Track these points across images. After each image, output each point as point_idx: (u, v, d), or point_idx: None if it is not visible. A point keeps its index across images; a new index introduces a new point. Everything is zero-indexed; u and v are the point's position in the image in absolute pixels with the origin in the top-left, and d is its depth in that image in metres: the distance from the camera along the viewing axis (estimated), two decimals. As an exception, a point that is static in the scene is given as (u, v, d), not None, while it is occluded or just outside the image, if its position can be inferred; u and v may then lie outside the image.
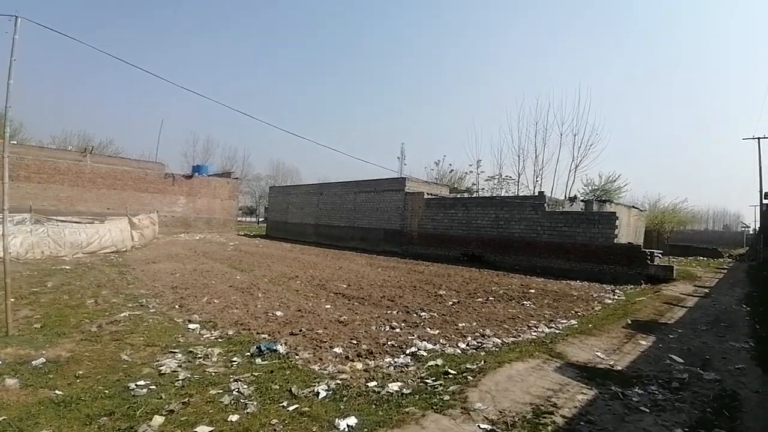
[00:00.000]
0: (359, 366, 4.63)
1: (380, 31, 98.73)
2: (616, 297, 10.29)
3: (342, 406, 3.50)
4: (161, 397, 3.65)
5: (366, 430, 3.07)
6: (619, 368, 4.86)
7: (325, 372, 4.40)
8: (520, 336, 6.19)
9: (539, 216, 15.97)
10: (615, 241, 13.93)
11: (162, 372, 4.24)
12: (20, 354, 4.41)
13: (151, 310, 6.89)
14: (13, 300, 6.81)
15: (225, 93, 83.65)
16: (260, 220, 52.54)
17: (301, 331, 5.92)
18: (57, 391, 3.62)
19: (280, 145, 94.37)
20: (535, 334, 6.36)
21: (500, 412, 3.39)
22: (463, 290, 10.32)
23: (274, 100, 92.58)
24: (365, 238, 23.91)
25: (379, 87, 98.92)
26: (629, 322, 7.37)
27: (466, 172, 34.45)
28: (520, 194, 24.10)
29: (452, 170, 36.20)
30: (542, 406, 3.59)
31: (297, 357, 4.83)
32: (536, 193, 18.35)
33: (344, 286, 10.08)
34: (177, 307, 7.19)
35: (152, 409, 3.40)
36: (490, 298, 9.32)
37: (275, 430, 3.09)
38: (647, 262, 13.21)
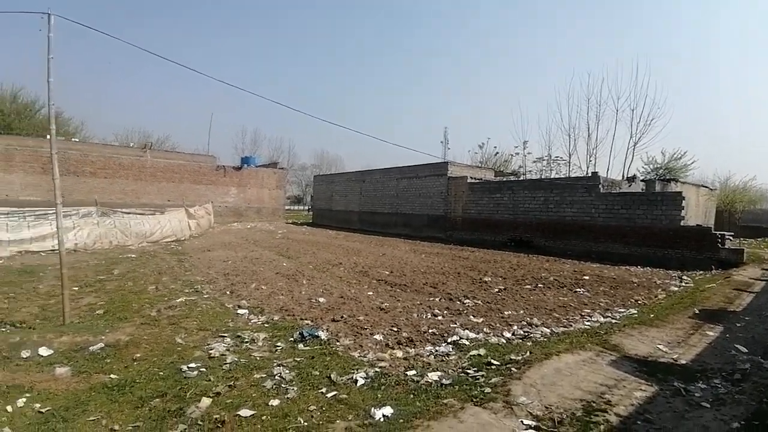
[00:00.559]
0: (399, 354, 4.59)
1: (426, 10, 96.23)
2: (683, 284, 9.44)
3: (379, 395, 3.48)
4: (210, 380, 3.82)
5: (401, 420, 3.02)
6: (683, 362, 4.43)
7: (364, 359, 4.40)
8: (571, 326, 5.83)
9: (593, 198, 14.98)
10: (681, 224, 12.75)
11: (212, 355, 4.45)
12: (76, 341, 4.77)
13: (205, 296, 7.27)
14: (77, 288, 7.49)
15: (273, 85, 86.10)
16: (307, 208, 54.05)
17: (342, 317, 5.98)
18: (112, 375, 3.89)
19: (323, 135, 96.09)
20: (588, 324, 5.96)
21: (546, 407, 3.19)
22: (510, 277, 9.95)
23: (320, 90, 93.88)
24: (408, 224, 23.81)
25: (424, 72, 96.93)
26: (697, 311, 6.72)
27: (512, 155, 33.07)
28: (572, 175, 22.75)
29: (497, 153, 34.89)
30: (594, 402, 3.34)
31: (338, 343, 4.88)
32: (589, 174, 17.21)
33: (387, 272, 10.08)
34: (228, 293, 7.54)
35: (201, 391, 3.56)
36: (539, 285, 8.90)
37: (312, 416, 3.12)
38: (718, 245, 11.98)
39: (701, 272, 11.03)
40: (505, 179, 23.22)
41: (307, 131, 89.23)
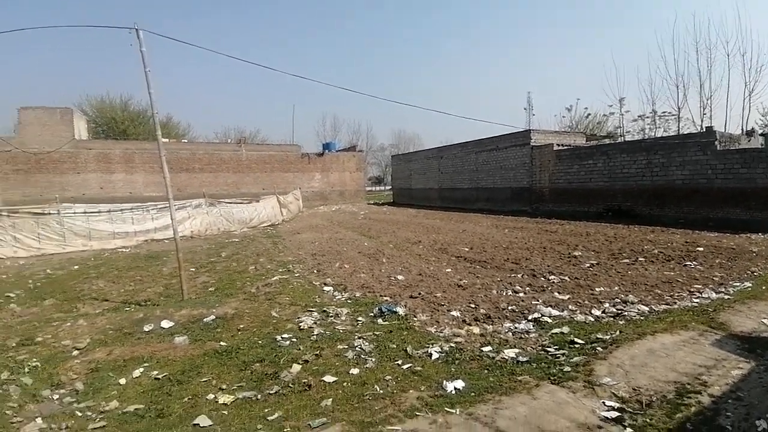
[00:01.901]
0: (476, 330, 4.58)
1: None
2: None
3: (453, 369, 3.54)
4: (299, 349, 4.24)
5: (473, 394, 3.05)
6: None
7: (440, 334, 4.48)
8: (675, 303, 5.21)
9: (708, 157, 12.87)
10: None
11: (301, 327, 4.91)
12: (193, 314, 5.57)
13: (296, 274, 7.96)
14: (193, 269, 8.69)
15: (352, 68, 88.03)
16: (388, 188, 55.09)
17: (420, 294, 6.11)
18: (221, 343, 4.51)
19: (401, 114, 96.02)
20: (697, 300, 5.27)
21: (633, 389, 2.95)
22: (605, 250, 9.14)
23: (398, 68, 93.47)
24: (490, 199, 22.99)
25: (509, 34, 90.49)
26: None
27: (606, 115, 29.69)
28: (683, 132, 19.71)
29: (588, 115, 31.69)
30: (689, 384, 3.03)
31: (415, 319, 5.02)
32: (702, 129, 14.77)
33: (466, 249, 9.95)
34: (315, 271, 8.15)
35: (292, 358, 3.98)
36: (640, 259, 8.05)
37: (388, 385, 3.31)
38: None
39: None
40: (598, 143, 21.04)
41: (384, 112, 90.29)
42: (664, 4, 56.69)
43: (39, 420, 3.10)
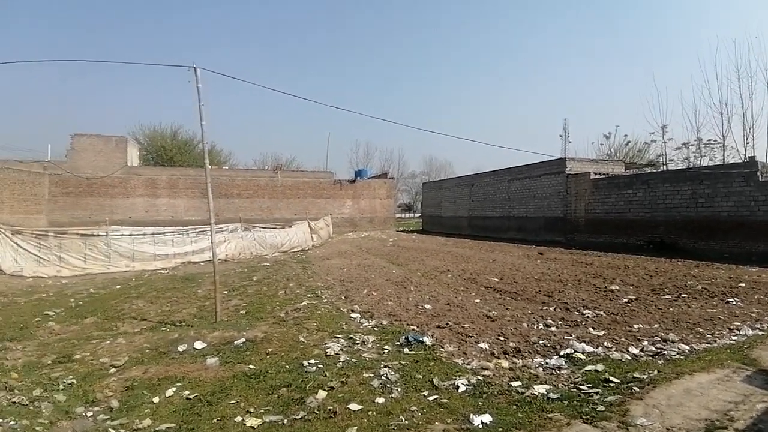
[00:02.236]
0: (504, 364, 4.45)
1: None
2: None
3: (480, 403, 3.45)
4: (326, 375, 4.26)
5: (500, 429, 2.95)
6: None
7: (468, 366, 4.39)
8: (716, 341, 4.92)
9: (752, 188, 12.24)
10: None
11: (328, 354, 4.94)
12: (225, 336, 5.72)
13: (324, 300, 8.05)
14: (226, 292, 8.97)
15: (385, 97, 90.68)
16: (418, 215, 55.11)
17: (447, 324, 6.02)
18: (250, 366, 4.60)
19: (433, 141, 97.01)
20: (735, 338, 5.03)
21: (667, 429, 2.80)
22: (645, 285, 8.72)
23: (431, 96, 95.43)
24: (522, 228, 22.53)
25: (545, 63, 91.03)
26: None
27: (647, 143, 28.77)
28: (728, 161, 18.80)
29: (628, 142, 30.81)
30: (717, 421, 2.94)
31: (442, 350, 4.95)
32: (746, 159, 14.07)
33: (496, 279, 9.75)
34: (343, 298, 8.21)
35: (318, 385, 4.00)
36: (683, 295, 7.62)
37: (413, 416, 3.27)
38: None
39: None
40: (638, 172, 20.37)
41: (416, 139, 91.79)
42: (706, 25, 55.47)
43: None
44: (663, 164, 27.12)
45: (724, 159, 22.36)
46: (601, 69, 79.94)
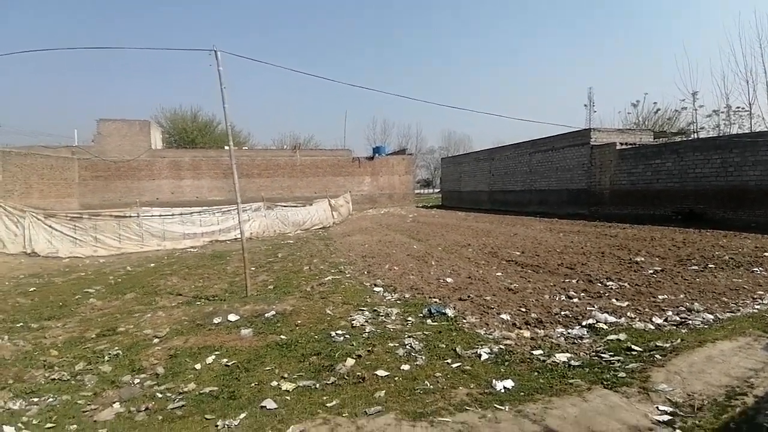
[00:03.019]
0: (526, 334, 4.56)
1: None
2: None
3: (502, 369, 3.59)
4: (353, 345, 4.48)
5: (522, 393, 3.09)
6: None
7: (490, 336, 4.51)
8: (739, 310, 4.91)
9: (778, 155, 11.66)
10: None
11: (354, 325, 5.15)
12: (256, 309, 6.01)
13: (347, 275, 8.28)
14: (254, 269, 9.31)
15: (403, 74, 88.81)
16: (437, 191, 54.78)
17: (469, 297, 6.14)
18: (282, 336, 4.86)
19: (451, 116, 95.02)
20: (758, 307, 5.00)
21: (688, 395, 2.88)
22: (671, 256, 8.58)
23: (449, 69, 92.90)
24: (545, 201, 22.18)
25: (570, 28, 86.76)
26: None
27: (677, 110, 27.43)
28: (755, 129, 17.86)
29: (657, 110, 29.42)
30: (738, 387, 3.02)
31: (464, 321, 5.09)
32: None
33: (518, 253, 9.76)
34: (366, 273, 8.42)
35: (346, 353, 4.22)
36: (710, 266, 7.49)
37: (438, 381, 3.44)
38: None
39: None
40: (666, 141, 19.59)
41: (434, 114, 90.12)
42: None
43: (116, 405, 3.36)
44: (694, 132, 25.93)
45: (751, 127, 21.33)
46: (630, 36, 75.60)
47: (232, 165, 6.70)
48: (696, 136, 24.08)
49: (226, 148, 29.18)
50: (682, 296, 5.69)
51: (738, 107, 22.99)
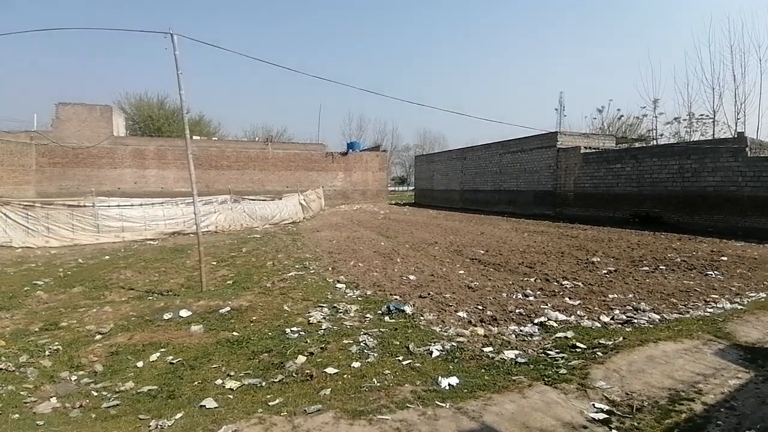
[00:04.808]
0: (480, 331, 4.62)
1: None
2: None
3: (451, 367, 3.61)
4: (306, 342, 4.40)
5: (465, 390, 3.12)
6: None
7: (444, 334, 4.55)
8: (688, 312, 5.11)
9: (740, 163, 12.39)
10: None
11: (310, 322, 5.07)
12: (210, 305, 5.83)
13: (311, 271, 8.16)
14: (215, 263, 9.04)
15: (377, 68, 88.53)
16: (411, 188, 55.08)
17: (429, 294, 6.17)
18: (234, 333, 4.73)
19: (427, 114, 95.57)
20: (711, 310, 5.18)
21: (627, 394, 2.95)
22: (625, 257, 8.94)
23: (421, 66, 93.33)
24: (513, 202, 22.69)
25: (533, 29, 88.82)
26: None
27: (638, 117, 28.66)
28: (719, 137, 18.91)
29: (620, 117, 30.66)
30: (683, 392, 3.03)
31: (421, 318, 5.10)
32: (735, 135, 14.19)
33: (482, 252, 9.92)
34: (330, 269, 8.33)
35: (298, 350, 4.15)
36: (661, 267, 7.85)
37: (386, 379, 3.42)
38: None
39: None
40: (628, 146, 20.41)
41: (410, 112, 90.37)
42: (701, 2, 54.23)
43: (53, 399, 3.32)
44: (653, 139, 27.18)
45: (713, 134, 22.50)
46: (600, 41, 78.34)
47: (188, 154, 6.45)
48: (655, 143, 25.23)
49: (196, 138, 28.25)
50: (630, 296, 5.92)
51: (701, 115, 24.18)
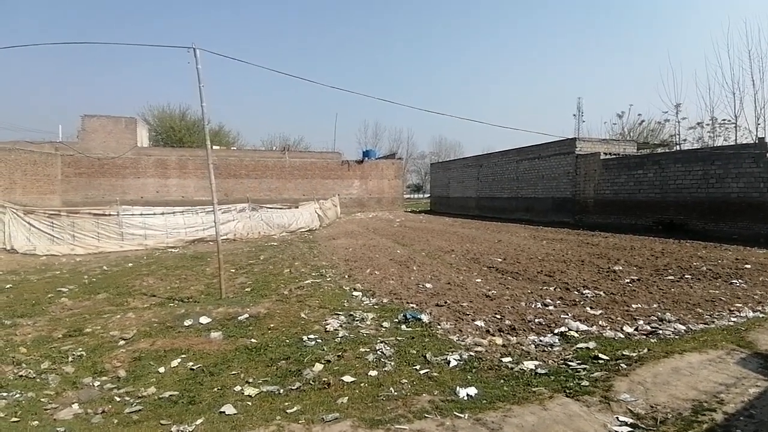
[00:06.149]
0: (498, 341, 4.55)
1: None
2: None
3: (469, 377, 3.56)
4: (323, 350, 4.41)
5: (484, 401, 3.06)
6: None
7: (462, 343, 4.49)
8: (714, 322, 4.93)
9: (761, 169, 12.01)
10: None
11: (327, 329, 5.09)
12: (229, 312, 5.92)
13: (327, 279, 8.20)
14: (233, 270, 9.19)
15: (393, 79, 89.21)
16: (427, 196, 54.93)
17: (446, 302, 6.12)
18: (252, 340, 4.78)
19: (442, 122, 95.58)
20: (735, 319, 5.03)
21: (651, 407, 2.86)
22: (649, 266, 8.68)
23: (440, 76, 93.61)
24: (531, 209, 22.37)
25: (554, 39, 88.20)
26: None
27: (660, 122, 27.98)
28: (741, 142, 18.31)
29: (642, 122, 30.01)
30: (706, 402, 2.97)
31: (438, 327, 5.06)
32: (756, 140, 13.73)
33: (499, 260, 9.79)
34: (346, 276, 8.36)
35: (315, 358, 4.16)
36: (686, 276, 7.59)
37: (403, 388, 3.40)
38: None
39: None
40: (649, 152, 19.94)
41: (426, 120, 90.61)
42: (719, 5, 53.00)
43: (75, 405, 3.36)
44: (676, 144, 26.47)
45: (736, 139, 21.84)
46: (619, 47, 77.17)
47: (209, 164, 6.61)
48: (678, 148, 24.58)
49: (216, 147, 28.92)
50: (655, 306, 5.75)
51: (724, 119, 23.53)
